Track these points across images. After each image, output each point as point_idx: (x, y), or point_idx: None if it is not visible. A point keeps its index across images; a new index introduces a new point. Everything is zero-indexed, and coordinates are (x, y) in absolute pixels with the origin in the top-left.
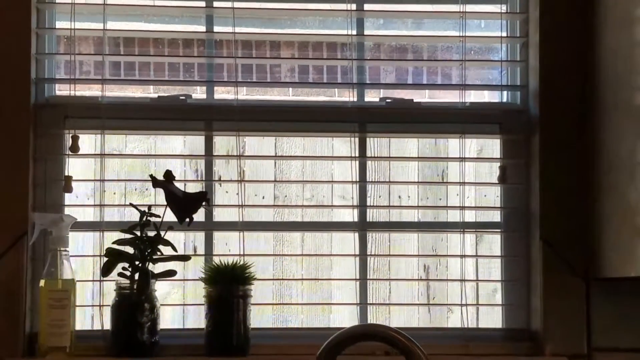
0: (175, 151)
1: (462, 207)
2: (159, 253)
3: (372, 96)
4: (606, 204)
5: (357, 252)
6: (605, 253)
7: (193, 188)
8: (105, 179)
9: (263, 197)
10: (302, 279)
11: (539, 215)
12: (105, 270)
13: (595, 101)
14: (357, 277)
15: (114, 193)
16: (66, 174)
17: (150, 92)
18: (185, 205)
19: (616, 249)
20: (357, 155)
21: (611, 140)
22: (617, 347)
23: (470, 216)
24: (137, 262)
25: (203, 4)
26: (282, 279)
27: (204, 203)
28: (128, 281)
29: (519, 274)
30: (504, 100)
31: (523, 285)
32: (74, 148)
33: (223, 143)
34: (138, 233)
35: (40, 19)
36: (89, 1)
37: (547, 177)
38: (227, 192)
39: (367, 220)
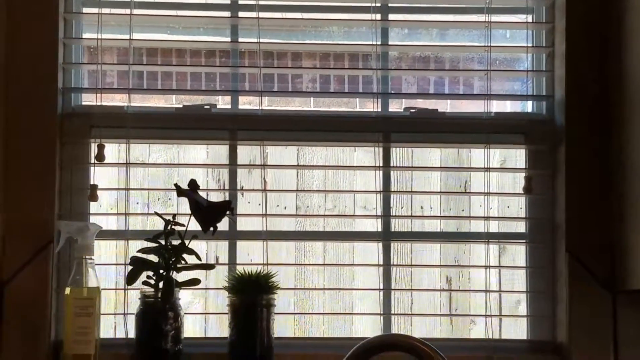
0: (198, 161)
1: (487, 218)
2: (183, 262)
3: (393, 107)
4: (634, 214)
5: (381, 262)
6: (632, 264)
7: (216, 197)
8: (130, 187)
9: (285, 208)
10: (325, 289)
11: (565, 226)
12: (130, 279)
13: (622, 109)
14: (381, 287)
15: (137, 203)
16: (92, 182)
17: (172, 102)
18: (209, 214)
19: None
20: (380, 165)
21: (638, 148)
22: None
23: (493, 227)
24: (161, 271)
25: (228, 13)
26: (306, 289)
27: (228, 212)
28: (152, 289)
29: (544, 285)
30: (529, 110)
31: (548, 297)
32: (100, 157)
33: (244, 152)
34: (162, 242)
35: (67, 29)
36: (115, 12)
37: (573, 188)
38: (249, 202)
39: (390, 230)
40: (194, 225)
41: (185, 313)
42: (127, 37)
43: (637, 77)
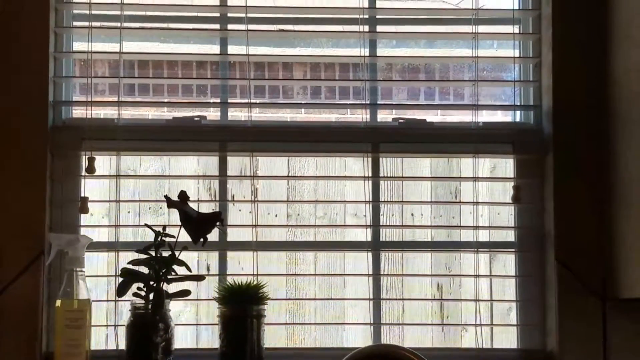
0: (189, 171)
1: (476, 227)
2: (173, 273)
3: (383, 115)
4: (623, 222)
5: (371, 272)
6: (621, 273)
7: (207, 207)
8: (120, 199)
9: (276, 216)
10: (315, 299)
11: (554, 235)
12: (121, 290)
13: (610, 118)
14: (371, 296)
15: (129, 212)
16: (82, 195)
17: (164, 112)
18: (199, 225)
19: (633, 269)
20: (370, 175)
21: (627, 157)
22: None
23: (483, 236)
24: (151, 282)
25: (217, 26)
26: (296, 299)
27: (218, 223)
28: (143, 301)
29: (534, 294)
30: (517, 120)
31: (538, 306)
32: (90, 169)
33: (236, 162)
34: (153, 253)
35: (58, 43)
36: (105, 24)
37: (562, 197)
38: (240, 210)
39: (381, 239)
40: (185, 236)
41: (175, 324)
42: (117, 48)
43: (624, 85)
